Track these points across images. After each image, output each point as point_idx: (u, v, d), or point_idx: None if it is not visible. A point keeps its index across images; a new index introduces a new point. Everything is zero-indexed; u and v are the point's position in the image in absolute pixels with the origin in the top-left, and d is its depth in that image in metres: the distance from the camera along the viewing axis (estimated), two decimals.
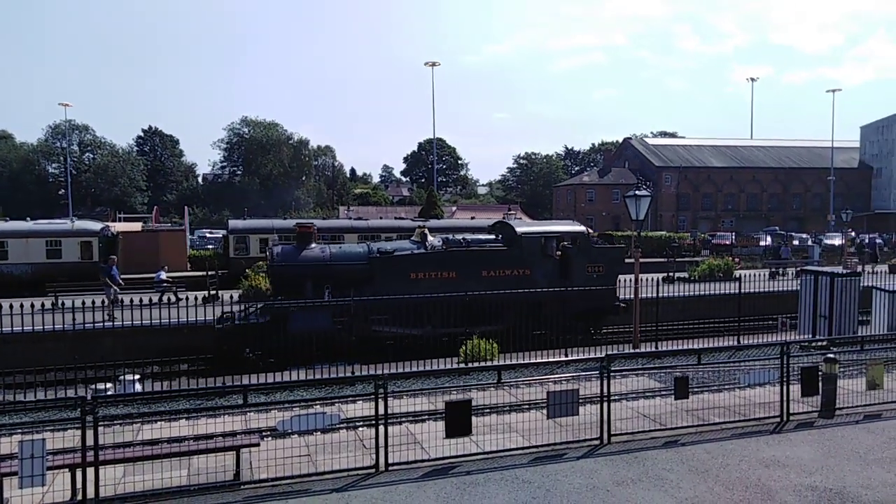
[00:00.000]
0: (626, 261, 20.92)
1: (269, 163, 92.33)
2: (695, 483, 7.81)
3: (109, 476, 7.62)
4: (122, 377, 12.57)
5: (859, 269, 29.05)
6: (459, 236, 20.17)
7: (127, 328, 16.64)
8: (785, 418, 10.10)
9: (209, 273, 25.47)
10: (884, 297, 15.89)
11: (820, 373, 10.37)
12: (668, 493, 7.53)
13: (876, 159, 78.26)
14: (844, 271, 17.57)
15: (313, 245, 18.75)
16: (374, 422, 8.22)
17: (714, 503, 7.28)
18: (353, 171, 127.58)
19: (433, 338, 16.22)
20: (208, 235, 53.97)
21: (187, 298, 18.05)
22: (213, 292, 22.56)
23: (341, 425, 9.56)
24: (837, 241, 45.15)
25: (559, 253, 19.38)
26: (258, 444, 8.09)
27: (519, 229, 19.62)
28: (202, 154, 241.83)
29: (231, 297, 15.85)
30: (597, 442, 9.17)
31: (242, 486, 7.71)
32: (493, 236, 20.47)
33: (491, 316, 16.40)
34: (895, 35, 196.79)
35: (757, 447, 9.03)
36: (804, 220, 74.50)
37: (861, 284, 16.38)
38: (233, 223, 33.90)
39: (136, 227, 41.78)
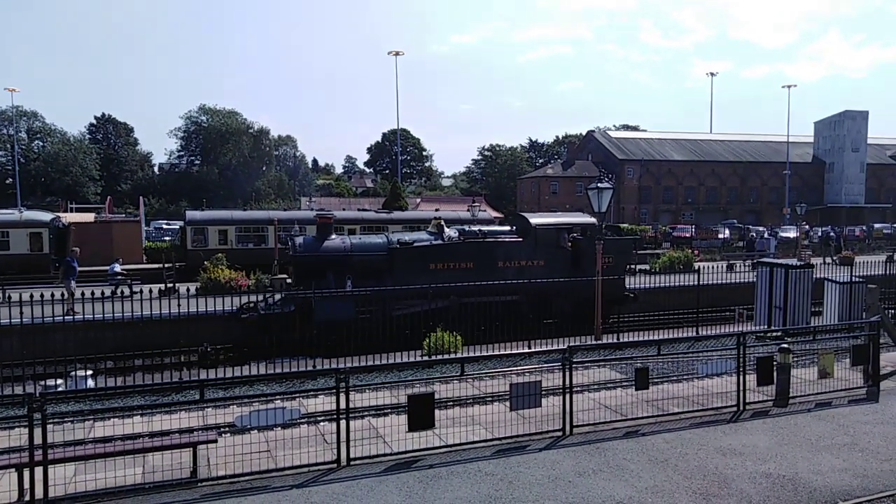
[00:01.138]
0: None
1: (228, 152, 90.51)
2: (654, 472, 7.92)
3: (59, 475, 7.35)
4: (73, 373, 12.14)
5: (828, 260, 30.01)
6: (475, 227, 20.60)
7: (80, 322, 16.10)
8: (741, 407, 10.34)
9: (166, 265, 24.83)
10: (835, 288, 16.39)
11: (774, 363, 10.63)
12: (629, 483, 7.62)
13: (828, 154, 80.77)
14: (798, 263, 18.05)
15: (333, 236, 19.03)
16: (335, 416, 8.11)
17: (673, 492, 7.40)
18: (315, 161, 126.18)
19: (457, 307, 16.33)
20: (165, 227, 52.73)
21: (141, 291, 17.56)
22: (169, 285, 22.00)
23: (302, 420, 9.43)
24: (793, 234, 46.48)
25: (570, 244, 19.78)
26: (216, 441, 7.90)
27: (533, 221, 19.97)
28: (158, 143, 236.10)
29: (188, 289, 15.40)
30: (559, 433, 9.23)
31: (200, 484, 7.52)
32: (507, 228, 20.81)
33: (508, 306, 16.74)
34: (847, 35, 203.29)
35: (714, 436, 9.21)
36: (761, 214, 76.56)
37: (814, 276, 16.87)
38: (190, 214, 33.14)
39: (89, 217, 40.46)
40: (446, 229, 19.75)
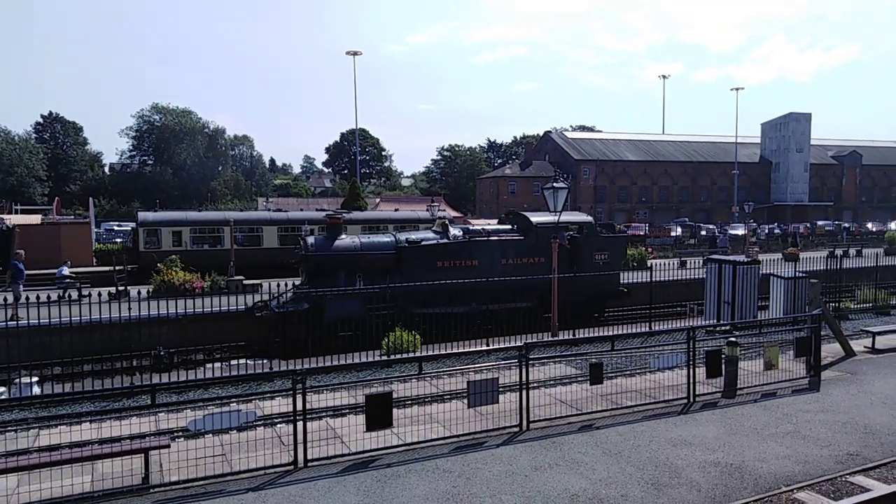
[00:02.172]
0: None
1: (182, 152, 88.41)
2: (608, 464, 8.10)
3: (0, 487, 7.09)
4: (17, 380, 11.71)
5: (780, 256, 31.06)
6: (479, 226, 21.39)
7: (24, 327, 15.53)
8: (691, 399, 10.64)
9: (117, 268, 24.15)
10: (779, 283, 17.01)
11: (723, 356, 10.98)
12: (583, 476, 7.77)
13: (774, 154, 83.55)
14: (746, 259, 18.65)
15: (343, 235, 19.53)
16: (292, 418, 8.04)
17: (625, 483, 7.58)
18: (272, 161, 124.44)
19: (475, 314, 16.85)
20: (116, 228, 51.15)
21: (90, 295, 17.04)
22: (120, 288, 21.42)
23: (258, 423, 9.32)
24: (741, 232, 47.96)
25: (568, 242, 20.44)
26: (168, 446, 7.74)
27: (534, 219, 20.56)
28: (109, 142, 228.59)
29: (139, 292, 15.03)
30: (516, 429, 9.35)
31: (152, 490, 7.36)
32: (508, 226, 21.45)
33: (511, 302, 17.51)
34: (792, 39, 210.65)
35: (666, 428, 9.46)
36: (711, 212, 78.71)
37: (760, 272, 17.47)
38: (143, 215, 32.29)
39: (35, 219, 39.01)
40: (451, 228, 20.37)
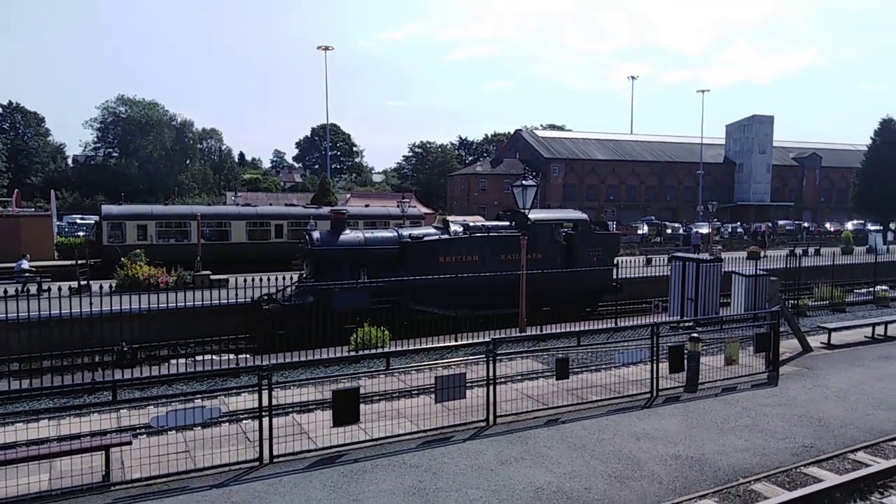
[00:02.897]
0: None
1: (148, 145, 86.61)
2: (573, 458, 8.23)
3: None
4: None
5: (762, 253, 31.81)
6: (478, 223, 21.93)
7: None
8: (655, 394, 10.85)
9: (79, 262, 23.59)
10: (741, 280, 17.42)
11: (685, 351, 11.22)
12: (548, 469, 7.88)
13: (738, 155, 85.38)
14: (709, 257, 19.06)
15: (348, 230, 19.84)
16: (258, 414, 7.98)
17: (589, 476, 7.71)
18: (241, 155, 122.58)
19: (469, 318, 16.87)
20: (79, 221, 49.97)
21: (49, 290, 16.63)
22: (83, 282, 20.95)
23: (223, 419, 9.22)
24: (705, 230, 48.93)
25: (564, 238, 21.15)
26: (130, 443, 7.61)
27: (532, 216, 20.72)
28: (72, 134, 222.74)
29: (101, 287, 14.72)
30: (483, 424, 9.42)
31: (112, 488, 7.23)
32: (507, 223, 21.95)
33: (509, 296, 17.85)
34: (755, 43, 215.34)
35: (629, 422, 9.64)
36: (677, 211, 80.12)
37: (722, 269, 17.87)
38: (107, 208, 31.56)
39: None
40: (451, 225, 20.84)
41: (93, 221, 40.96)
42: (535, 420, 9.68)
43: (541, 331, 15.82)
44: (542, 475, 7.71)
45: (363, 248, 19.19)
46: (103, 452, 7.42)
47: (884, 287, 23.46)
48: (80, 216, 55.15)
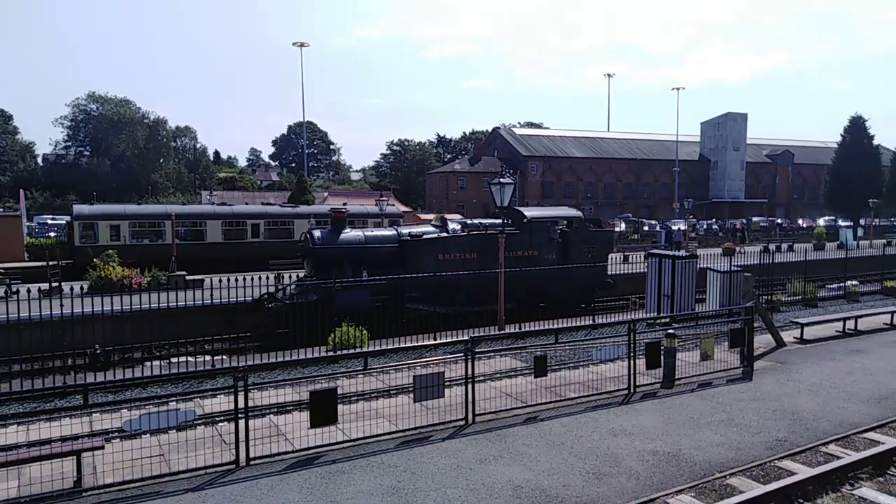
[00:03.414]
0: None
1: (121, 143, 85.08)
2: (551, 455, 8.25)
3: None
4: None
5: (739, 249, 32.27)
6: (477, 221, 22.46)
7: None
8: (632, 390, 10.94)
9: (50, 263, 23.10)
10: (716, 277, 17.64)
11: (662, 347, 11.33)
12: (527, 467, 7.89)
13: (713, 153, 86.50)
14: (685, 254, 19.26)
15: (348, 229, 20.04)
16: (233, 416, 7.87)
17: (567, 473, 7.74)
18: (217, 153, 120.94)
19: (462, 315, 17.43)
20: (50, 222, 49.00)
21: (18, 291, 16.25)
22: (54, 284, 20.51)
23: (199, 421, 9.09)
24: (681, 227, 49.52)
25: (559, 235, 21.54)
26: (102, 447, 7.47)
27: (528, 214, 21.55)
28: (42, 132, 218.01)
29: (72, 288, 14.40)
30: (462, 422, 9.41)
31: (84, 493, 7.09)
32: (504, 221, 22.01)
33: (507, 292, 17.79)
34: (728, 43, 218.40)
35: (607, 418, 9.70)
36: (654, 208, 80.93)
37: (697, 266, 18.08)
38: (78, 208, 30.96)
39: None
40: (450, 223, 21.20)
41: (64, 222, 40.19)
42: (513, 418, 9.69)
43: (519, 329, 15.85)
44: (521, 473, 7.72)
45: (363, 246, 19.37)
46: (75, 457, 7.27)
47: (854, 282, 23.93)
48: (50, 216, 54.06)
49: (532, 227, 20.91)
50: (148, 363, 15.34)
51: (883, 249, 32.60)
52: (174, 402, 9.85)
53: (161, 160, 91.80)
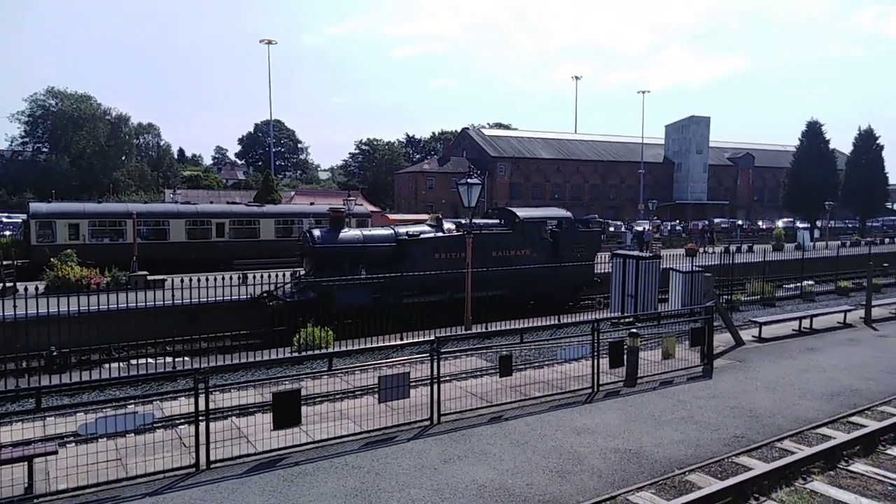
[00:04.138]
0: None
1: (81, 140, 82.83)
2: (515, 455, 8.31)
3: None
4: None
5: (706, 249, 32.93)
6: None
7: None
8: (595, 389, 11.07)
9: (4, 262, 22.38)
10: (678, 277, 17.98)
11: (625, 346, 11.49)
12: (491, 466, 7.93)
13: (677, 155, 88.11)
14: (648, 254, 19.59)
15: (346, 228, 20.42)
16: (193, 418, 7.73)
17: (531, 472, 7.79)
18: (181, 151, 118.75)
19: (452, 301, 18.25)
20: (5, 220, 47.54)
21: None
22: (8, 284, 19.89)
23: (158, 424, 8.91)
24: (646, 227, 50.29)
25: (550, 235, 22.22)
26: (56, 452, 7.26)
27: (520, 214, 22.20)
28: None
29: (26, 289, 13.97)
30: (427, 423, 9.41)
31: (36, 500, 6.88)
32: (497, 221, 22.95)
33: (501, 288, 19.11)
34: (689, 47, 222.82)
35: (571, 417, 9.81)
36: (619, 209, 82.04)
37: (661, 266, 18.39)
38: (35, 206, 30.05)
39: None
40: (444, 222, 21.76)
41: (20, 220, 38.98)
42: (479, 418, 9.73)
43: (486, 329, 15.91)
44: (485, 473, 7.75)
45: (362, 245, 19.74)
46: (25, 463, 7.06)
47: (810, 282, 24.64)
48: (5, 215, 52.48)
49: (524, 227, 21.62)
50: (107, 365, 15.00)
51: (837, 251, 33.60)
52: (133, 405, 9.64)
53: (123, 158, 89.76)
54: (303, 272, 20.41)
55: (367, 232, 20.84)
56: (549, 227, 22.51)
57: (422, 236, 20.54)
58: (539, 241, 21.86)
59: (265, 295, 18.12)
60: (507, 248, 21.05)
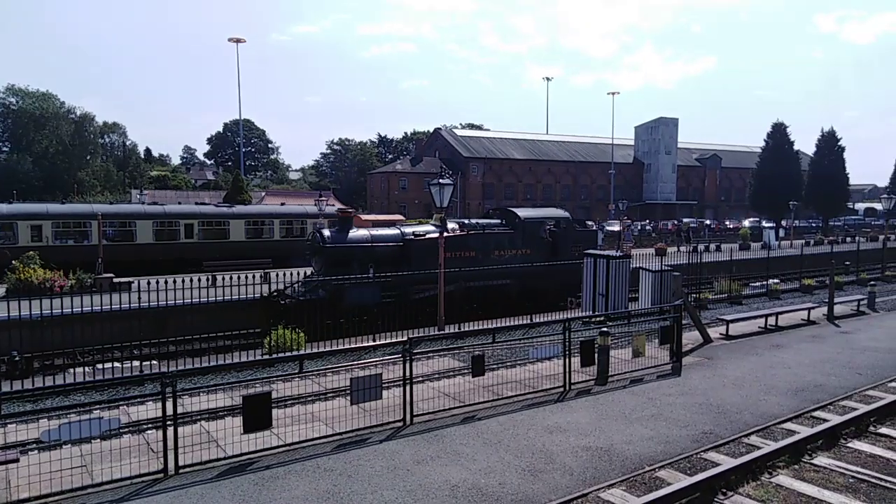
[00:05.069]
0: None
1: (44, 139, 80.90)
2: (488, 454, 8.33)
3: None
4: None
5: (682, 248, 33.45)
6: (474, 221, 23.81)
7: None
8: (567, 388, 11.16)
9: None
10: (648, 276, 18.23)
11: (596, 345, 11.61)
12: (464, 467, 7.94)
13: (646, 156, 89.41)
14: (618, 254, 19.82)
15: (355, 228, 20.93)
16: (161, 423, 7.59)
17: (504, 471, 7.82)
18: (148, 151, 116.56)
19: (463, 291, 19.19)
20: None
21: None
22: None
23: (125, 429, 8.73)
24: (616, 228, 50.91)
25: (549, 235, 22.77)
26: (17, 460, 7.08)
27: (521, 214, 22.75)
28: None
29: None
30: (400, 424, 9.38)
31: None
32: (498, 221, 23.65)
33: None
34: (659, 49, 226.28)
35: (543, 416, 9.87)
36: (591, 209, 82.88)
37: (631, 266, 18.64)
38: None
39: None
40: (448, 223, 22.08)
41: None
42: (451, 418, 9.73)
43: (458, 329, 15.94)
44: (458, 473, 7.76)
45: (371, 245, 20.24)
46: None
47: (776, 280, 25.21)
48: None
49: (525, 226, 22.29)
50: (71, 370, 14.67)
51: (802, 249, 34.43)
52: (98, 411, 9.43)
53: (88, 157, 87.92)
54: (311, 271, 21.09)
55: (374, 232, 21.34)
56: (547, 226, 23.13)
57: (428, 236, 21.09)
58: (538, 240, 22.48)
59: (275, 294, 18.53)
60: (509, 247, 21.72)
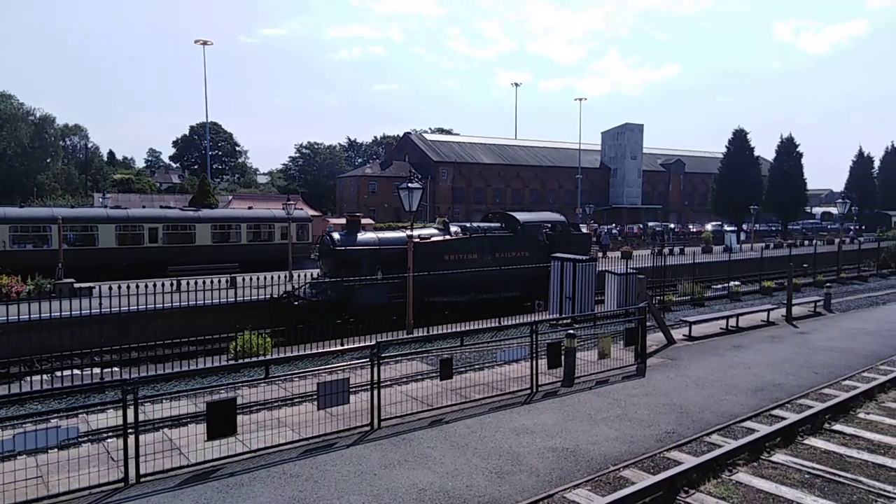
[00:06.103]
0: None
1: (2, 141, 78.49)
2: (455, 457, 8.35)
3: None
4: None
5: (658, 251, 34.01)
6: (475, 224, 24.28)
7: None
8: (534, 389, 11.26)
9: None
10: (613, 279, 18.49)
11: (562, 347, 11.74)
12: (431, 470, 7.95)
13: (613, 161, 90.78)
14: (584, 258, 20.06)
15: (363, 232, 21.65)
16: (122, 431, 7.43)
17: (471, 474, 7.86)
18: (111, 154, 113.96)
19: (475, 302, 19.96)
20: None
21: None
22: None
23: (83, 438, 8.53)
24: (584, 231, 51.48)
25: (546, 238, 23.35)
26: None
27: (521, 218, 23.41)
28: None
29: None
30: (368, 428, 9.34)
31: None
32: (498, 224, 24.37)
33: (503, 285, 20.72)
34: (624, 56, 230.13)
35: (510, 418, 9.93)
36: (558, 213, 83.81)
37: (597, 269, 18.89)
38: None
39: None
40: (451, 226, 23.14)
41: None
42: (419, 421, 9.73)
43: (427, 332, 15.95)
44: (425, 476, 7.76)
45: (378, 248, 20.79)
46: None
47: (737, 283, 25.80)
48: None
49: (524, 230, 23.07)
50: (28, 378, 14.25)
51: (762, 252, 35.30)
52: (56, 419, 9.18)
53: (48, 160, 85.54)
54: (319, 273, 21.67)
55: (381, 235, 22.08)
56: (544, 230, 23.73)
57: (432, 239, 21.75)
58: (536, 243, 23.11)
59: (286, 295, 19.09)
60: (510, 249, 22.41)
